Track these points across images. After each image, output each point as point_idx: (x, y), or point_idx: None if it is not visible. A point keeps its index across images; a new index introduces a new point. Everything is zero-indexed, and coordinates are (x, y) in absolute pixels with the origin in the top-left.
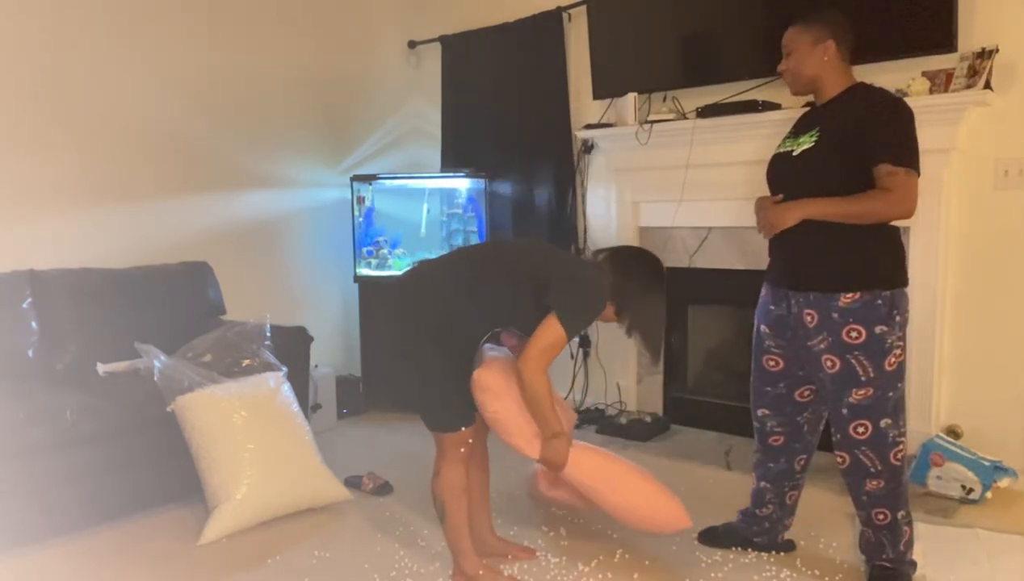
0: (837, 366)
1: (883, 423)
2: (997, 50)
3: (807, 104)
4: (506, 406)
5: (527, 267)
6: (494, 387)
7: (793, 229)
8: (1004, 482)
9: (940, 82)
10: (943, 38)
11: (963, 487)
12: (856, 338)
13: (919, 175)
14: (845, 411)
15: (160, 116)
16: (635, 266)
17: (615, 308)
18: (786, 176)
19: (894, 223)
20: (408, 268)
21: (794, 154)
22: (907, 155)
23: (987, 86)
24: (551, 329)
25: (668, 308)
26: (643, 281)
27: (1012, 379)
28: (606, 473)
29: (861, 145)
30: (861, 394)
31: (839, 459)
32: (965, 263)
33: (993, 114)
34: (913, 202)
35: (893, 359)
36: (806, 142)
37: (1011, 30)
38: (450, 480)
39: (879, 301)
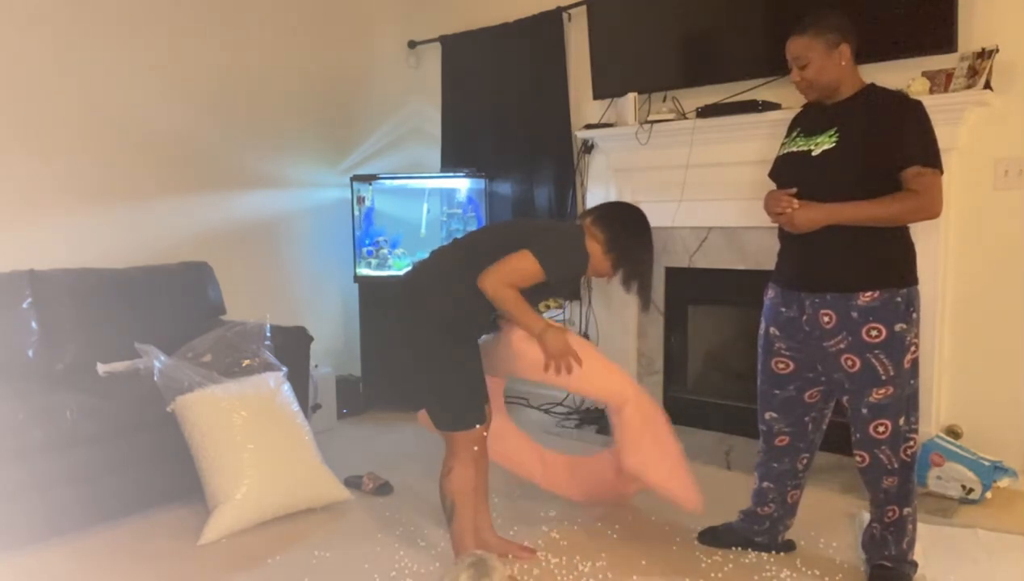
0: (857, 366)
1: (901, 421)
2: (997, 50)
3: (807, 103)
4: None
5: (514, 243)
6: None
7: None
8: (1004, 482)
9: (940, 82)
10: (943, 38)
11: (963, 487)
12: (876, 337)
13: (943, 174)
14: (865, 411)
15: (160, 116)
16: (624, 218)
17: (612, 261)
18: (805, 176)
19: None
20: (407, 269)
21: (814, 154)
22: (934, 156)
23: (987, 86)
24: (520, 256)
25: (668, 306)
26: (634, 230)
27: (1012, 379)
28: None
29: (887, 147)
30: (881, 393)
31: (859, 458)
32: (965, 263)
33: (993, 114)
34: (942, 203)
35: (910, 356)
36: (825, 142)
37: (1011, 30)
38: (461, 480)
39: (898, 298)
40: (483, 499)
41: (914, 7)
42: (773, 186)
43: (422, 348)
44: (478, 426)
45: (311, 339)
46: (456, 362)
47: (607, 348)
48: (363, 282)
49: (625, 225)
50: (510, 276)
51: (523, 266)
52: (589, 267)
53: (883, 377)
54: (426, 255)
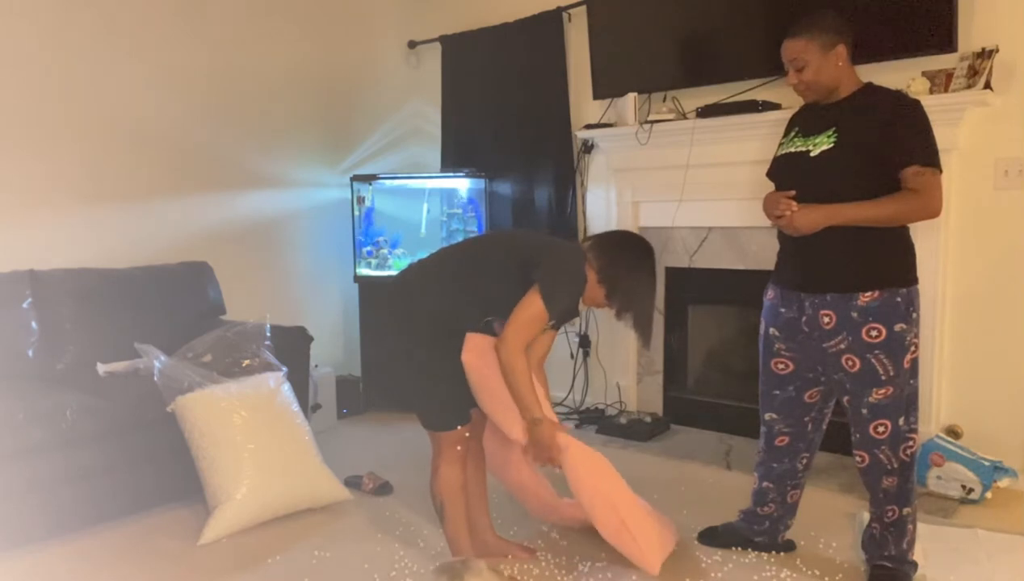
0: (857, 366)
1: (900, 421)
2: (997, 50)
3: (806, 103)
4: (493, 371)
5: (515, 254)
6: (482, 346)
7: None
8: (1004, 482)
9: (940, 82)
10: (943, 38)
11: (963, 487)
12: (876, 337)
13: (942, 173)
14: (865, 411)
15: (160, 116)
16: (621, 247)
17: (605, 291)
18: (804, 176)
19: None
20: (402, 270)
21: (812, 155)
22: (933, 156)
23: (987, 86)
24: (531, 306)
25: (668, 306)
26: (630, 261)
27: (1012, 379)
28: (605, 475)
29: (886, 147)
30: (881, 393)
31: (858, 458)
32: (965, 263)
33: (993, 114)
34: (941, 202)
35: (910, 356)
36: (824, 142)
37: (1011, 30)
38: (448, 479)
39: (898, 298)
40: (482, 499)
41: (914, 7)
42: (773, 186)
43: (409, 347)
44: (459, 427)
45: (311, 339)
46: (440, 364)
47: (608, 349)
48: (363, 282)
49: (621, 255)
50: (526, 333)
51: (533, 314)
52: (584, 295)
53: (883, 377)
54: (426, 255)
